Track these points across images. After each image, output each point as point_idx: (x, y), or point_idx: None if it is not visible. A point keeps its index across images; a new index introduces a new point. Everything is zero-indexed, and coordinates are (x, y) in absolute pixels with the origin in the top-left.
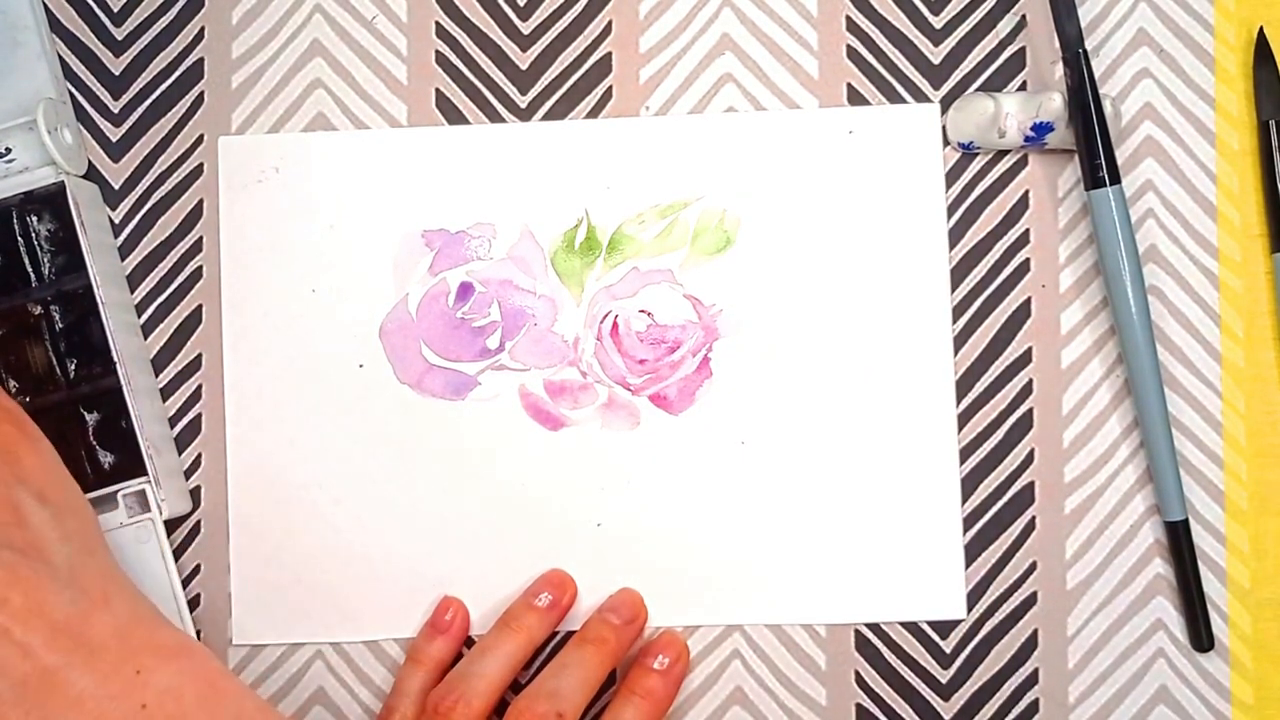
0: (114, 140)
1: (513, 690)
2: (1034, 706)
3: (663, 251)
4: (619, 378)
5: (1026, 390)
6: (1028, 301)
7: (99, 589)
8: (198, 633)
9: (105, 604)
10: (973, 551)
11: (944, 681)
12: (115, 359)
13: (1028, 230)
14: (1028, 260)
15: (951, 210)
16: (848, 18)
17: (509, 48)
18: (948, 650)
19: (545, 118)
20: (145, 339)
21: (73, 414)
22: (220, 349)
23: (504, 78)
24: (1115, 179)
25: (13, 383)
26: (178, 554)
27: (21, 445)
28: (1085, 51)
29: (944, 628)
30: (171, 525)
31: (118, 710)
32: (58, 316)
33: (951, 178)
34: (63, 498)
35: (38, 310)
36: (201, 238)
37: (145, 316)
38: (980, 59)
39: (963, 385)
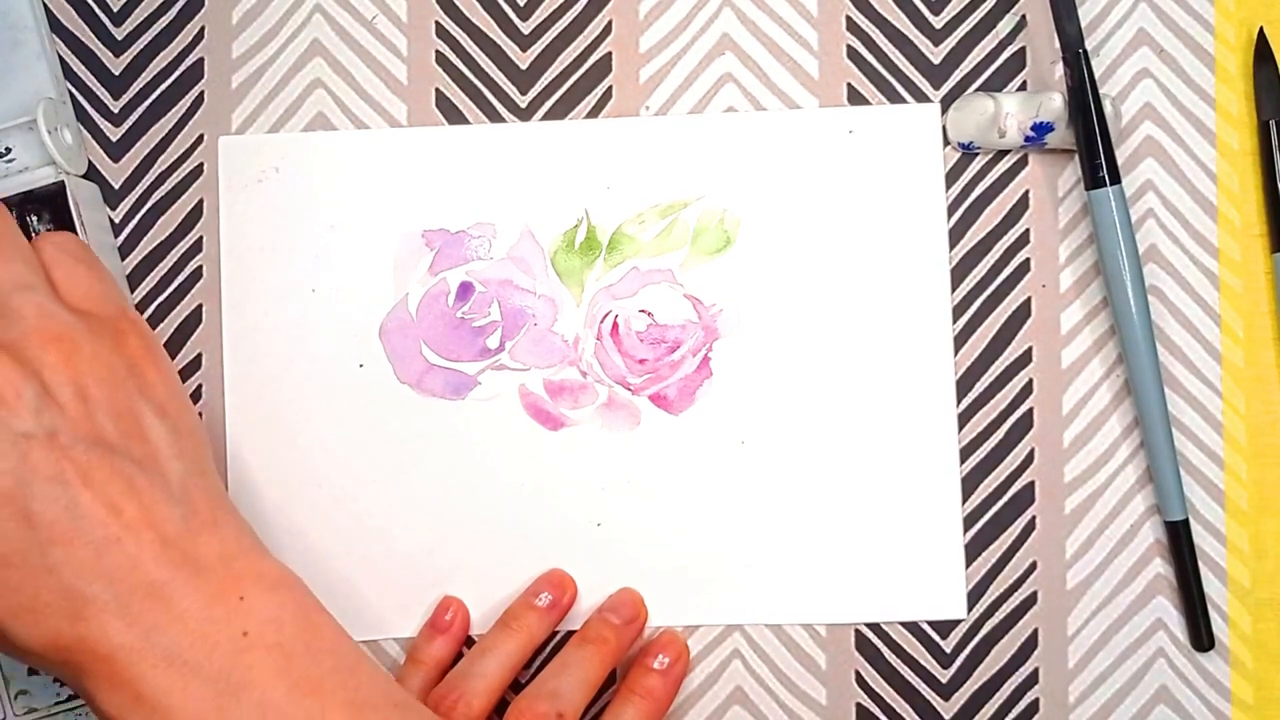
0: (114, 140)
1: (513, 690)
2: (1034, 706)
3: (663, 251)
4: (619, 377)
5: (1026, 390)
6: (1028, 301)
7: (208, 510)
8: None
9: (214, 526)
10: (973, 551)
11: (944, 681)
12: None
13: (1028, 230)
14: (1028, 260)
15: (951, 210)
16: (848, 18)
17: (509, 48)
18: (948, 650)
19: (545, 118)
20: None
21: None
22: (220, 349)
23: (504, 78)
24: (1115, 179)
25: None
26: None
27: (146, 360)
28: (1085, 51)
29: (944, 627)
30: None
31: (220, 633)
32: None
33: (951, 178)
34: (180, 416)
35: None
36: (201, 238)
37: (145, 316)
38: (980, 59)
39: (963, 385)
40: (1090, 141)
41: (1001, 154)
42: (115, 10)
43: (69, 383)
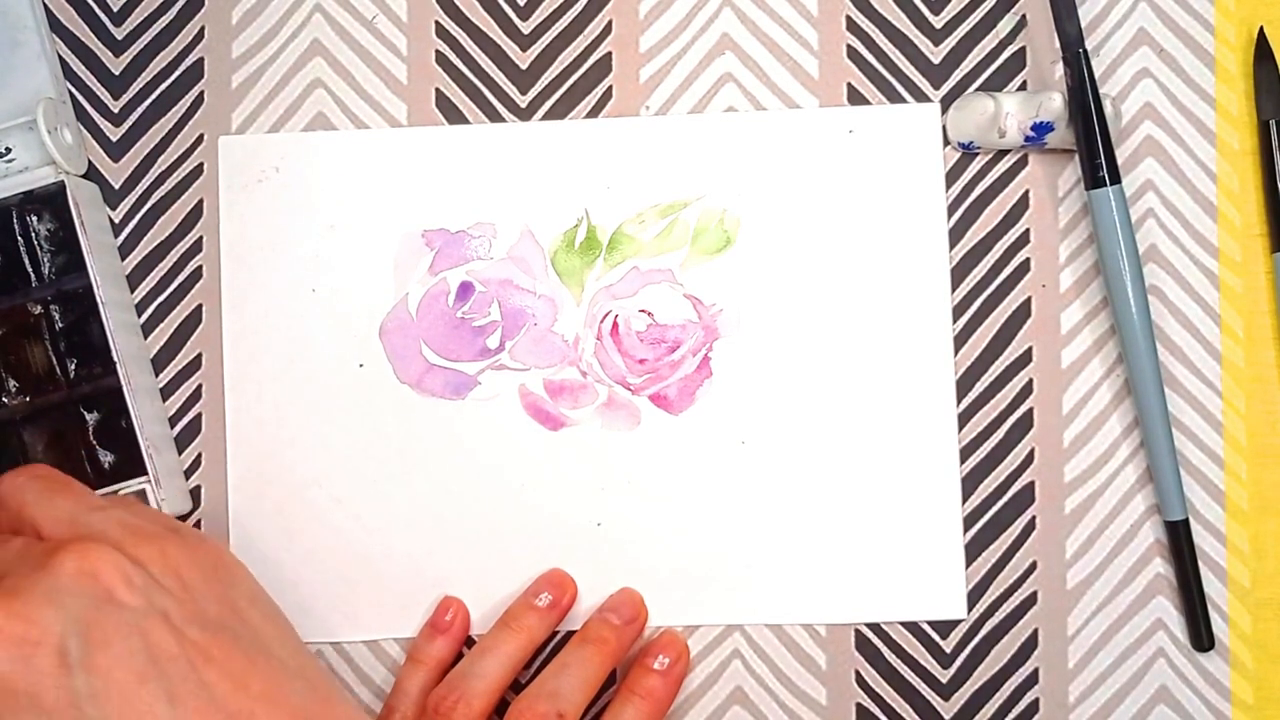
0: (114, 140)
1: (513, 690)
2: (1034, 706)
3: (663, 251)
4: (619, 377)
5: (1026, 390)
6: (1028, 301)
7: (325, 685)
8: None
9: (333, 700)
10: (973, 551)
11: (944, 681)
12: (115, 359)
13: (1028, 230)
14: (1028, 260)
15: (951, 210)
16: (848, 17)
17: (509, 48)
18: (948, 650)
19: (545, 118)
20: (145, 339)
21: (73, 414)
22: (220, 349)
23: (504, 78)
24: (1115, 179)
25: (13, 383)
26: None
27: (224, 557)
28: (1085, 51)
29: (944, 627)
30: None
31: None
32: (58, 316)
33: (951, 178)
34: (268, 604)
35: (38, 310)
36: (201, 238)
37: (145, 316)
38: (980, 59)
39: (963, 385)
40: (1090, 141)
41: (1001, 154)
42: (115, 10)
43: (169, 572)
